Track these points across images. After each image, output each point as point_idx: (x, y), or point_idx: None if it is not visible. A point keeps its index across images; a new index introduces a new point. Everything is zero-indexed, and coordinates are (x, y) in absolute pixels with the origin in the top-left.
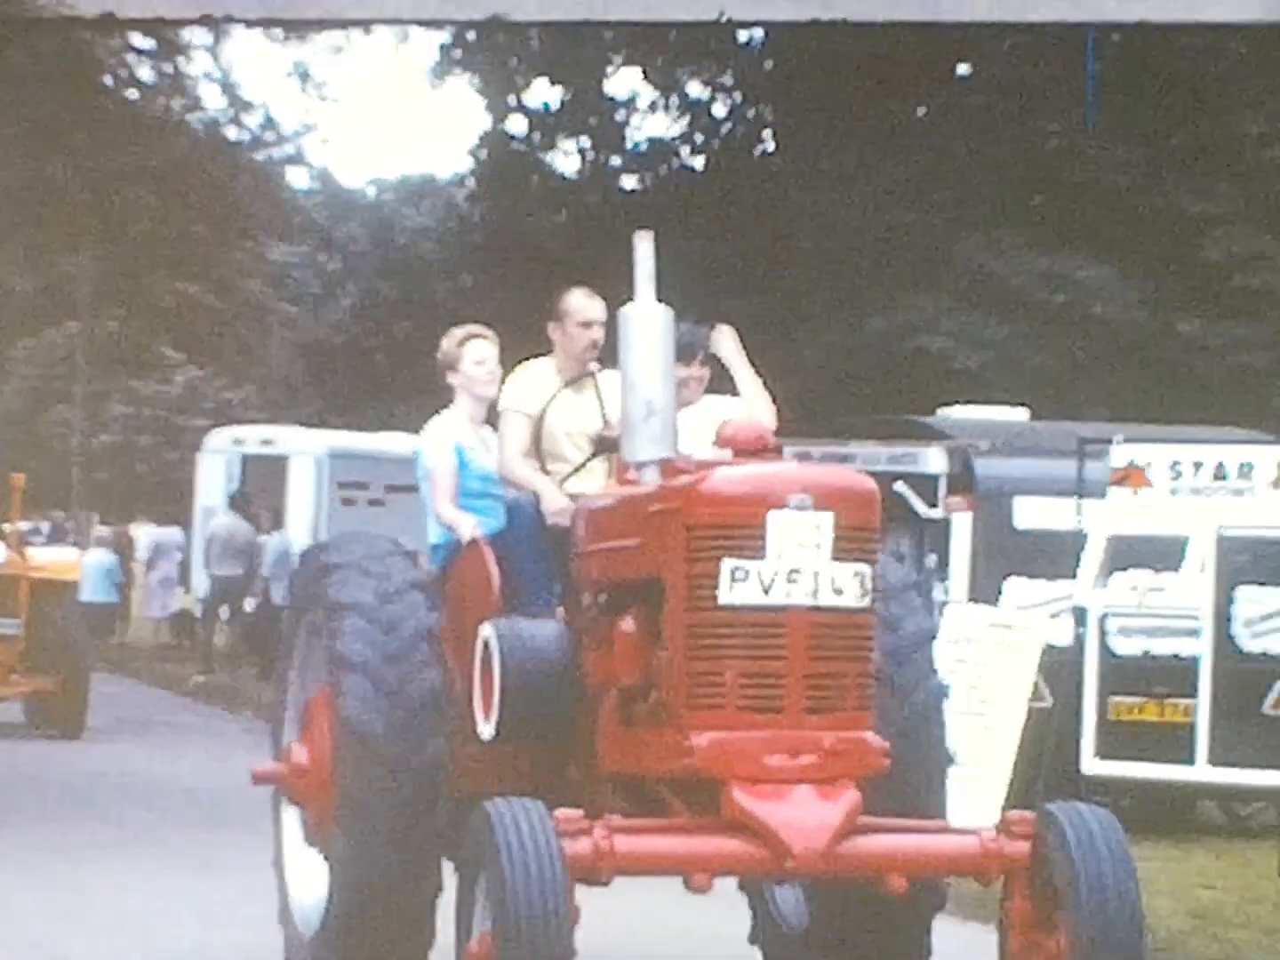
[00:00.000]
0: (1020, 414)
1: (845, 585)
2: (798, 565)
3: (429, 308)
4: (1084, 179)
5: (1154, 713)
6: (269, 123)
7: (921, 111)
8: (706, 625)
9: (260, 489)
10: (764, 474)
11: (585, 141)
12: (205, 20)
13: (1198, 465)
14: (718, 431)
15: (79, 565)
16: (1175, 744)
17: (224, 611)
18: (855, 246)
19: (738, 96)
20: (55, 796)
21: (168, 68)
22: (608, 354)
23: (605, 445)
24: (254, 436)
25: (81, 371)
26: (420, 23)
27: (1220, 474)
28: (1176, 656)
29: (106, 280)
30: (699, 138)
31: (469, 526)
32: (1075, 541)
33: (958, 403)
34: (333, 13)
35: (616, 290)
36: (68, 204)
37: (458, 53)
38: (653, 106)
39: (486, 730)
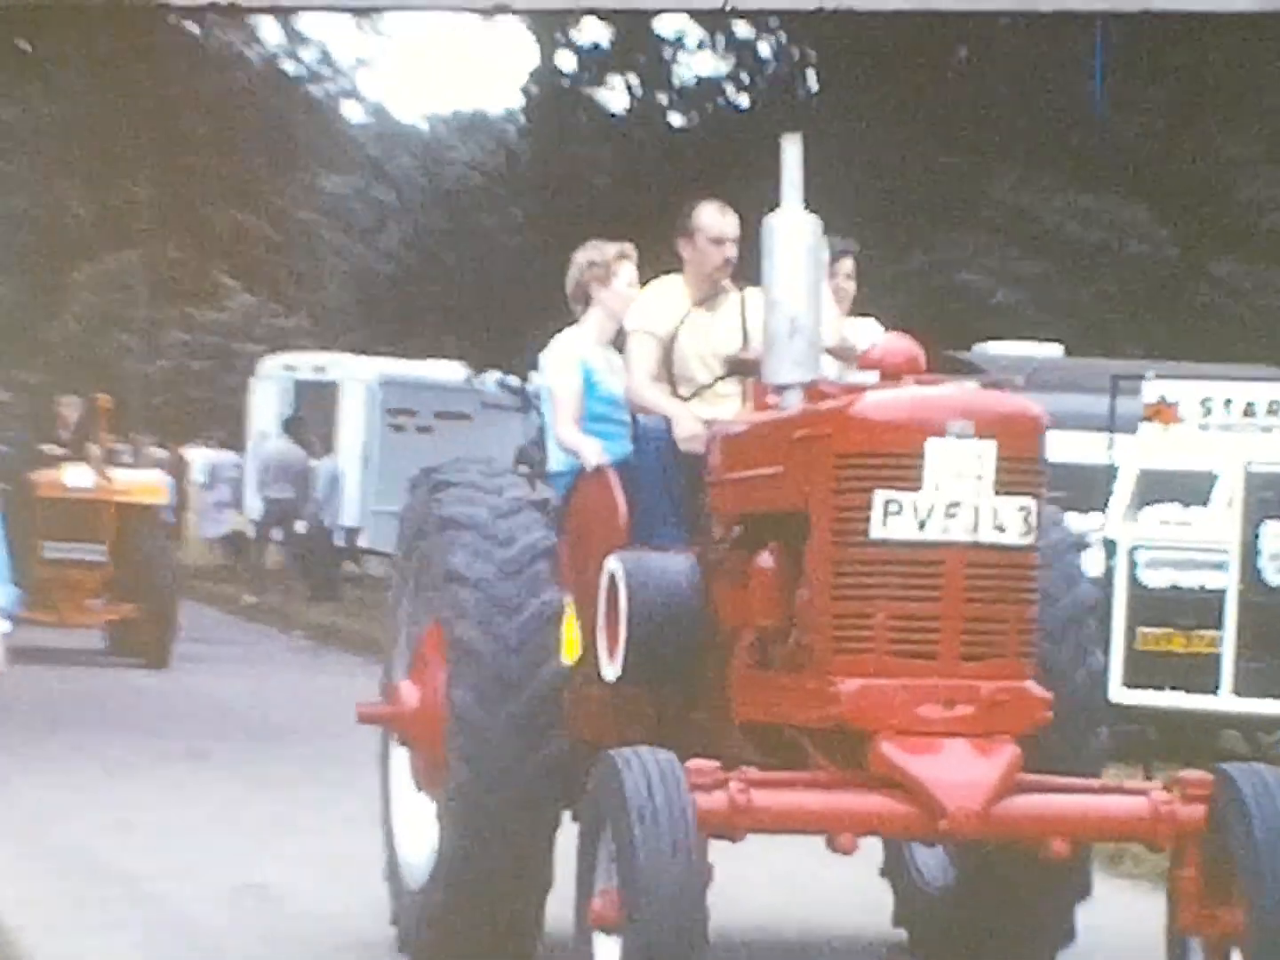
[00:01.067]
0: (1055, 350)
1: (1008, 521)
2: (957, 498)
3: (478, 239)
4: (1118, 119)
5: (1181, 644)
6: (325, 57)
7: (962, 52)
8: (855, 562)
9: (312, 414)
10: (921, 398)
11: (633, 79)
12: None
13: (1228, 402)
14: (864, 353)
15: (166, 489)
16: (1201, 674)
17: (276, 533)
18: (894, 184)
19: (783, 36)
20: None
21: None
22: (741, 272)
23: (740, 367)
24: (306, 363)
25: (141, 298)
26: (420, 7)
27: (1250, 411)
28: (1204, 589)
29: (165, 208)
30: (744, 77)
31: (594, 452)
32: (1106, 475)
33: (994, 339)
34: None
35: (663, 228)
36: (128, 133)
37: None
38: (700, 45)
39: (611, 670)
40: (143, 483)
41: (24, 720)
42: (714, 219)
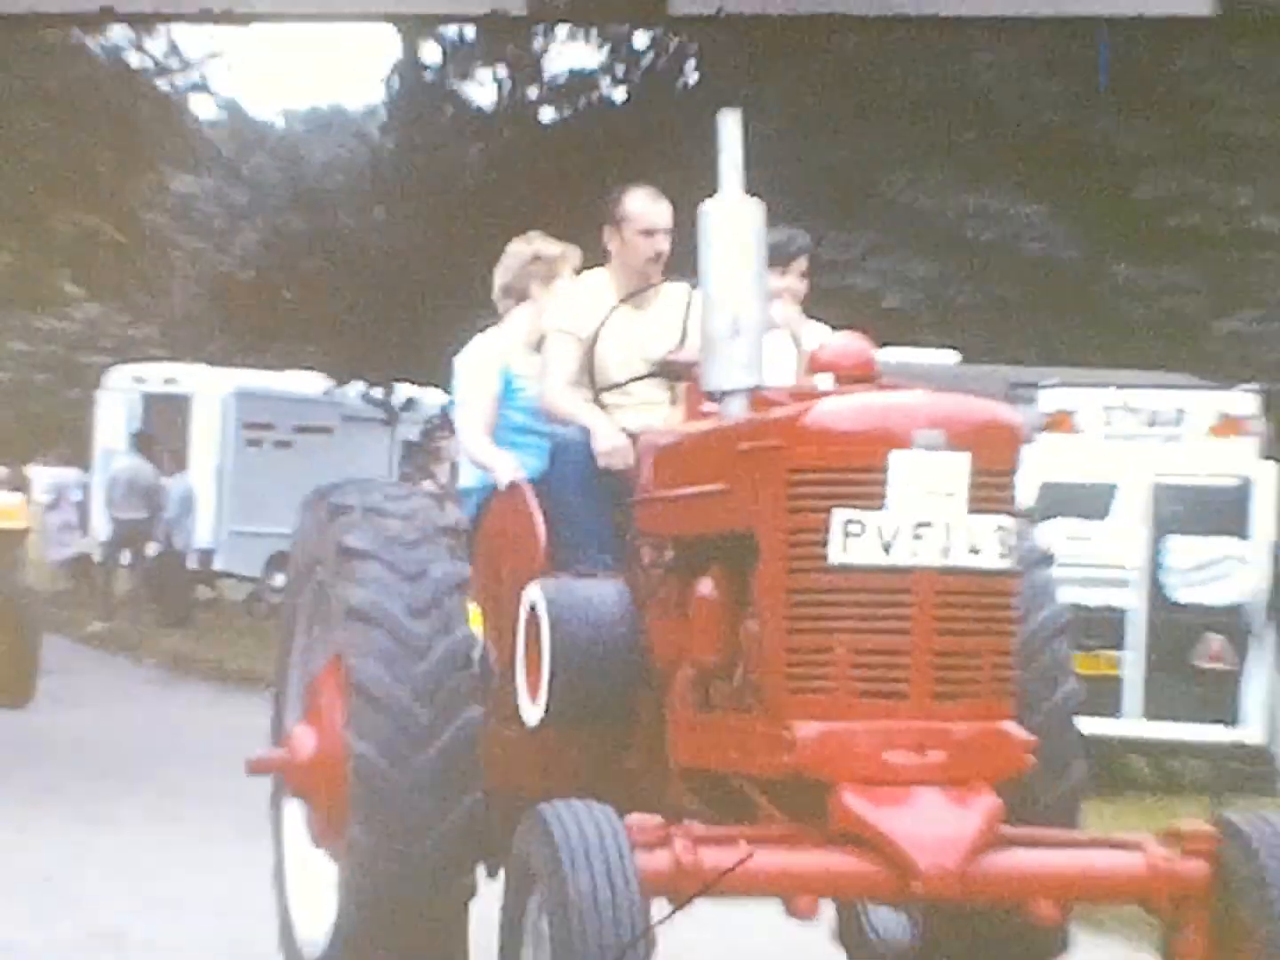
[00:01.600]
0: (950, 356)
1: (983, 542)
2: (926, 517)
3: (339, 242)
4: (1013, 114)
5: (1084, 665)
6: (173, 49)
7: (851, 46)
8: (813, 590)
9: (163, 429)
10: (885, 405)
11: (501, 72)
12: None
13: (1131, 411)
14: (813, 355)
15: (26, 511)
16: (1105, 697)
17: (125, 556)
18: (779, 182)
19: (660, 27)
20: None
21: None
22: (673, 265)
23: (671, 371)
24: (156, 375)
25: None
26: (411, 18)
27: (1153, 420)
28: (1108, 607)
29: (1, 210)
30: (619, 69)
31: (507, 468)
32: None
33: (886, 345)
34: (328, 8)
35: (538, 228)
36: None
37: None
38: (572, 35)
39: (532, 713)
40: (1, 506)
41: None
42: (644, 207)
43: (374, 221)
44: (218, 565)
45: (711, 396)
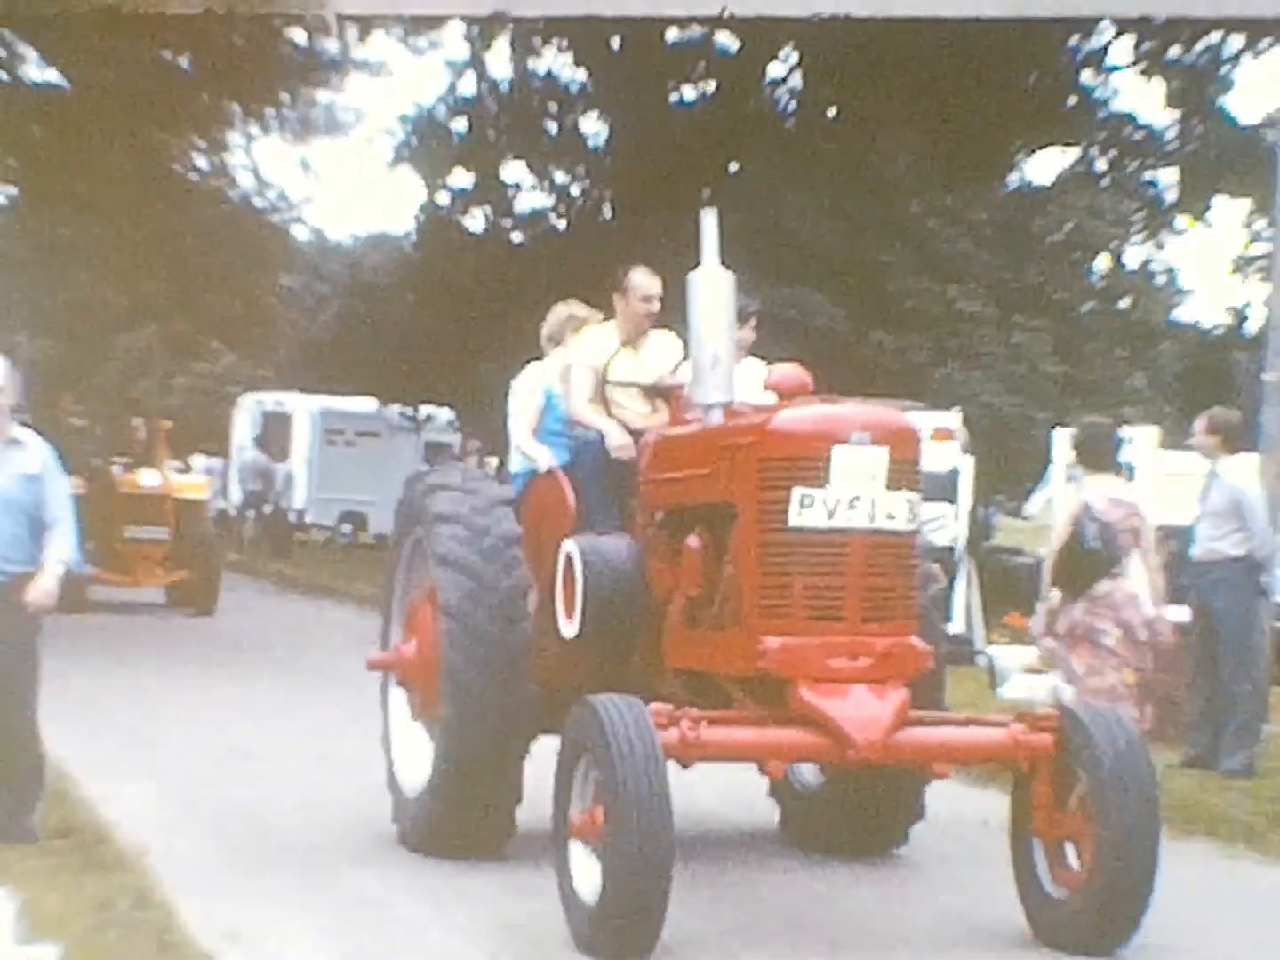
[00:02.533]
0: None
1: (897, 511)
2: (857, 493)
3: (384, 318)
4: (804, 227)
5: None
6: (282, 195)
7: (707, 192)
8: (777, 545)
9: (274, 434)
10: (829, 414)
11: (488, 210)
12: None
13: None
14: (765, 380)
15: (209, 487)
16: None
17: (250, 513)
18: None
19: (588, 182)
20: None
21: (215, 160)
22: (662, 319)
23: (659, 390)
24: (270, 400)
25: (159, 357)
26: (426, 18)
27: None
28: None
29: (176, 296)
30: (561, 208)
31: (546, 458)
32: None
33: None
34: (341, 7)
35: (514, 315)
36: (149, 244)
37: (405, 150)
38: (533, 187)
39: (569, 630)
40: (193, 482)
41: (110, 650)
42: (643, 280)
43: (407, 305)
44: (308, 519)
45: (700, 408)
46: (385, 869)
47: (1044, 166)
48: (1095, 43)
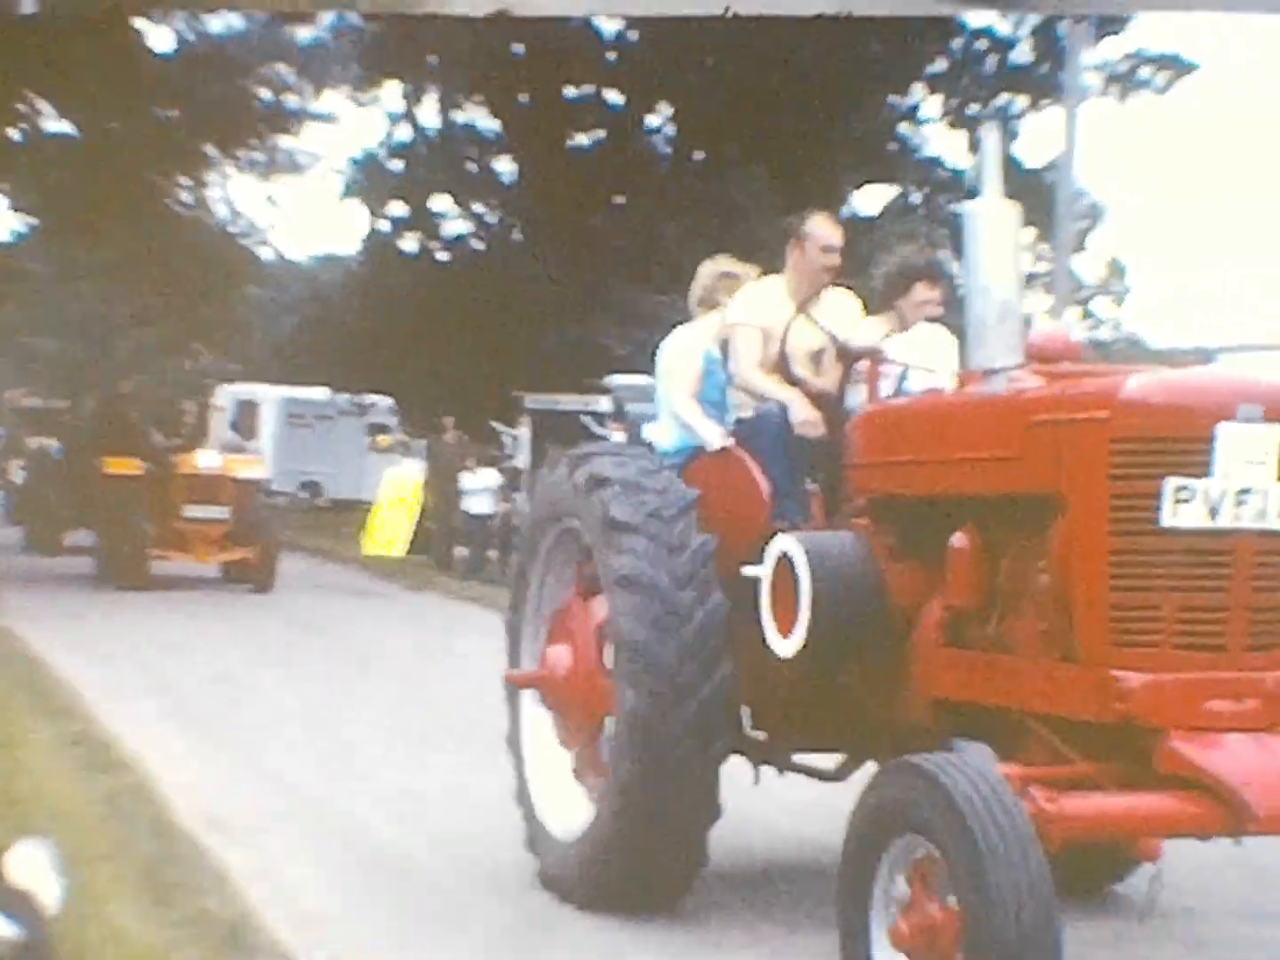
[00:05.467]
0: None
1: None
2: (1247, 484)
3: (336, 324)
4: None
5: None
6: (251, 224)
7: (597, 219)
8: (1139, 551)
9: (246, 419)
10: (1208, 381)
11: (420, 235)
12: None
13: None
14: (1025, 342)
15: (267, 466)
16: None
17: None
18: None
19: (501, 212)
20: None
21: (197, 194)
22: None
23: (854, 353)
24: (242, 390)
25: (152, 357)
26: (430, 16)
27: None
28: None
29: (167, 307)
30: (481, 233)
31: (718, 434)
32: None
33: (619, 372)
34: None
35: (441, 320)
36: (147, 267)
37: (352, 186)
38: (457, 216)
39: (786, 647)
40: (250, 461)
41: (174, 620)
42: (825, 228)
43: (355, 314)
44: (274, 488)
45: (982, 374)
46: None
47: (870, 201)
48: (909, 100)
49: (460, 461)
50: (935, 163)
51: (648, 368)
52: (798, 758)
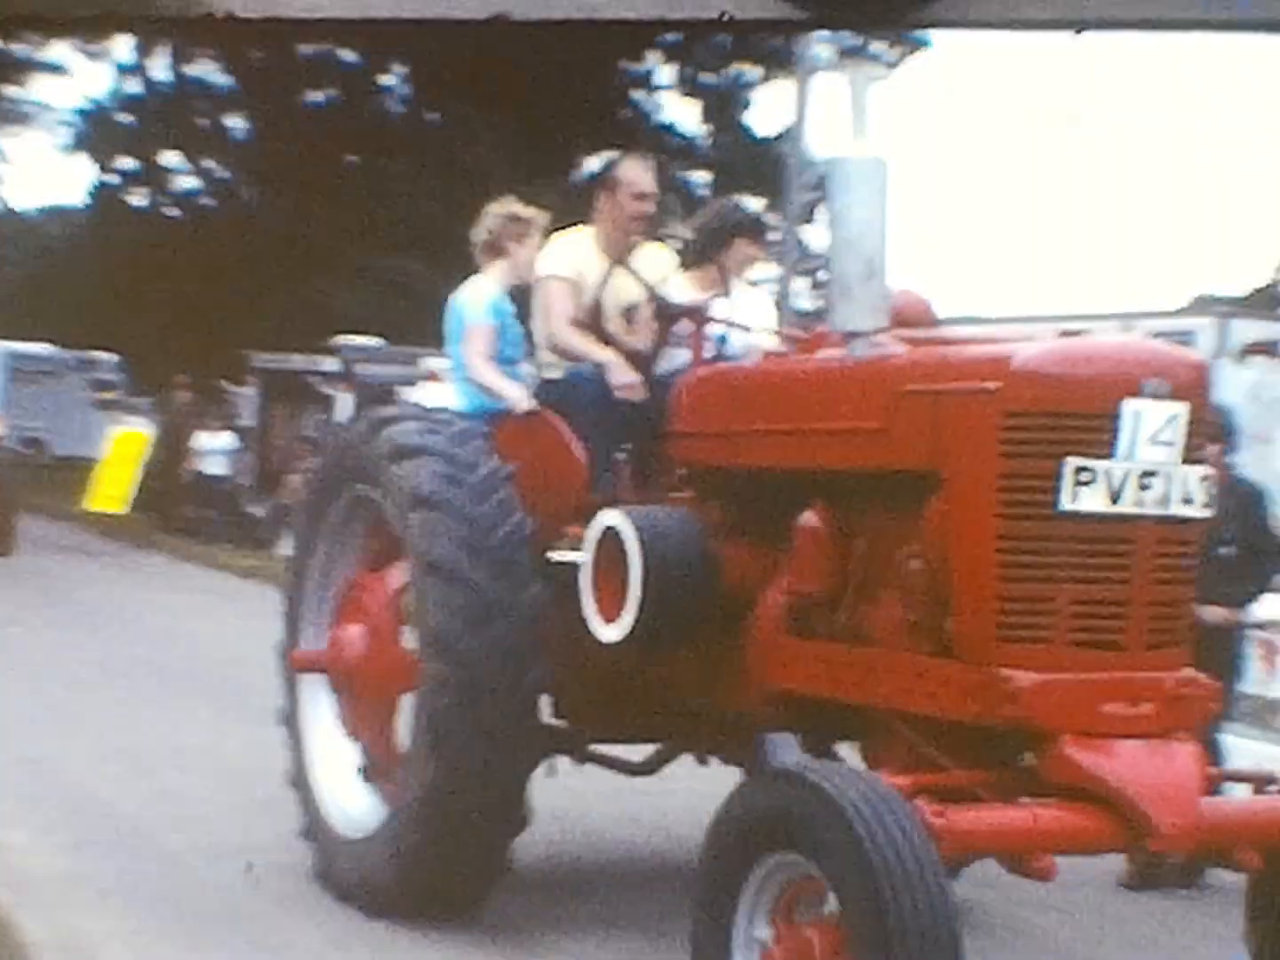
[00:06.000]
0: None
1: (1194, 492)
2: (1152, 466)
3: (62, 279)
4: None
5: None
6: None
7: (333, 180)
8: (1036, 538)
9: None
10: (1114, 351)
11: (149, 190)
12: (208, 19)
13: None
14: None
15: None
16: None
17: None
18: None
19: (233, 169)
20: None
21: None
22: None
23: (673, 311)
24: None
25: None
26: (422, 22)
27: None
28: None
29: None
30: (211, 190)
31: (520, 395)
32: None
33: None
34: (335, 11)
35: (170, 276)
36: None
37: (80, 138)
38: (187, 171)
39: (611, 632)
40: None
41: None
42: (638, 173)
43: (80, 266)
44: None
45: (844, 337)
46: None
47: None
48: (644, 66)
49: (192, 420)
50: (668, 130)
51: (377, 328)
52: (603, 749)
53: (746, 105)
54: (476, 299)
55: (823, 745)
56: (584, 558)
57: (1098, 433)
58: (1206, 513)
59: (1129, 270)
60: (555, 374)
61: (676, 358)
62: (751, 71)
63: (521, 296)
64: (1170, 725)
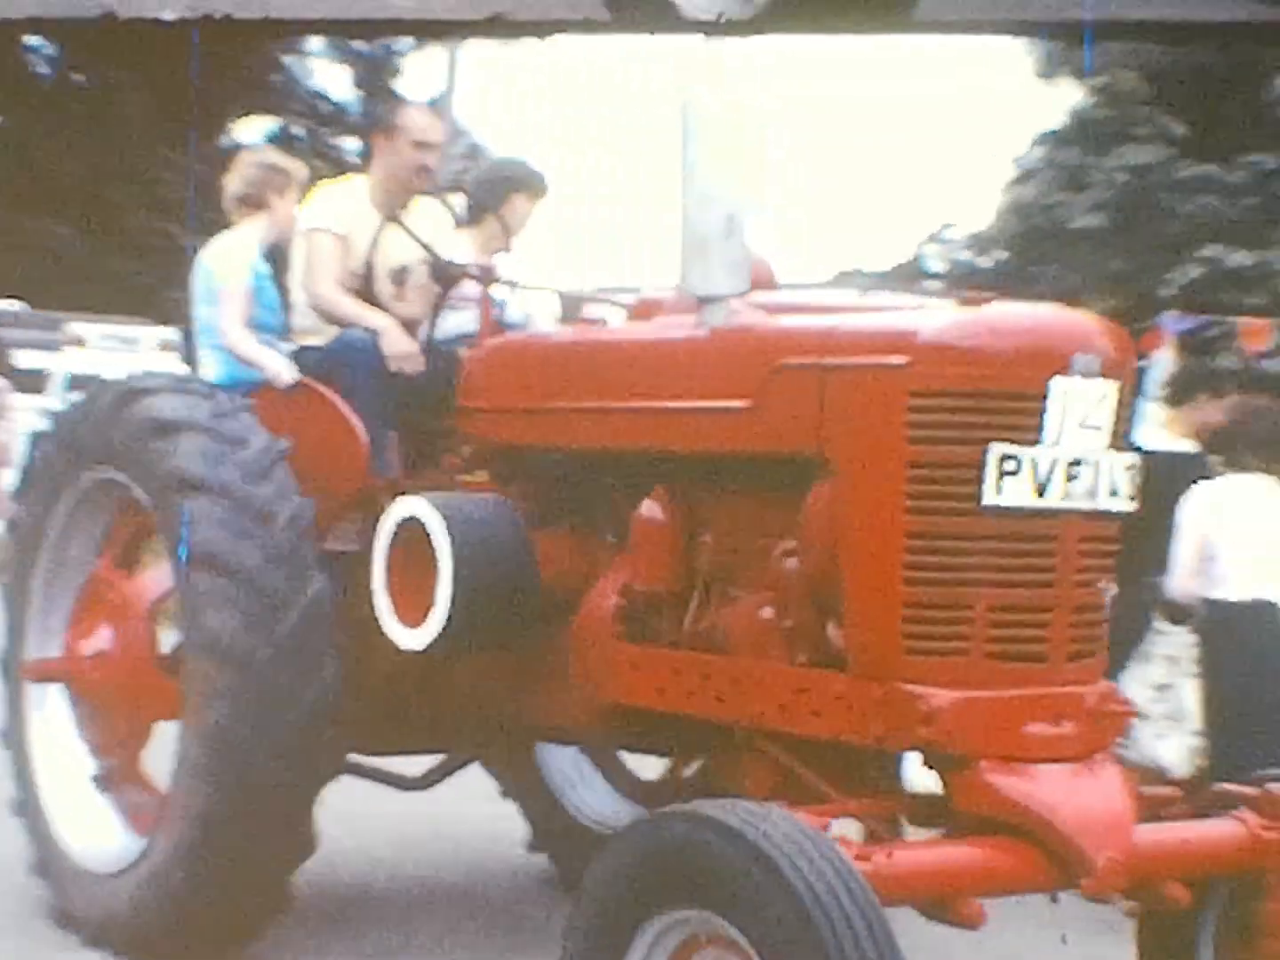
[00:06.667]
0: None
1: (1121, 483)
2: (1079, 454)
3: None
4: None
5: None
6: None
7: None
8: (952, 536)
9: None
10: (1038, 323)
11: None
12: (206, 21)
13: None
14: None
15: None
16: None
17: None
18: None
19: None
20: None
21: None
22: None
23: (451, 272)
24: None
25: None
26: (425, 24)
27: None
28: None
29: None
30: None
31: (282, 366)
32: None
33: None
34: (334, 13)
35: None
36: None
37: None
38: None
39: (415, 638)
40: None
41: None
42: (421, 121)
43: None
44: None
45: (697, 301)
46: None
47: (251, 131)
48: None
49: None
50: (320, 95)
51: (20, 292)
52: (374, 761)
53: (397, 72)
54: (230, 258)
55: (613, 761)
56: (377, 552)
57: (1023, 415)
58: (1132, 506)
59: (773, 245)
60: (316, 340)
61: (452, 323)
62: (402, 38)
63: (278, 255)
64: (1093, 746)
